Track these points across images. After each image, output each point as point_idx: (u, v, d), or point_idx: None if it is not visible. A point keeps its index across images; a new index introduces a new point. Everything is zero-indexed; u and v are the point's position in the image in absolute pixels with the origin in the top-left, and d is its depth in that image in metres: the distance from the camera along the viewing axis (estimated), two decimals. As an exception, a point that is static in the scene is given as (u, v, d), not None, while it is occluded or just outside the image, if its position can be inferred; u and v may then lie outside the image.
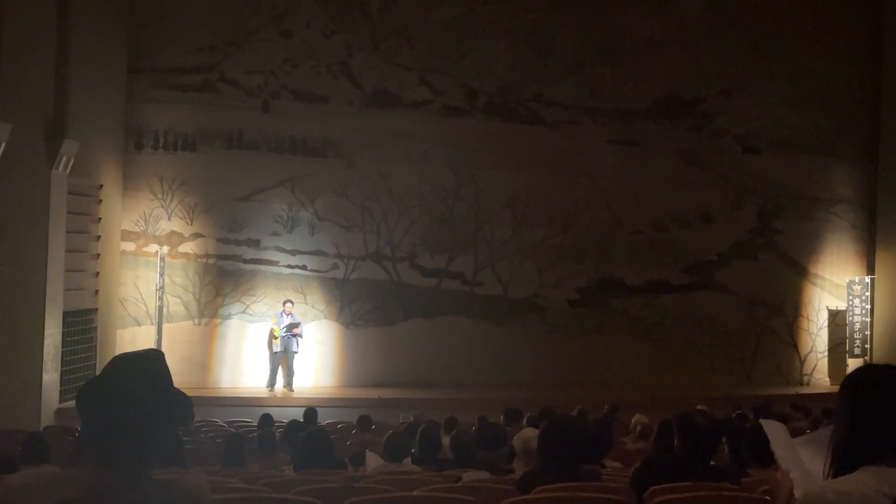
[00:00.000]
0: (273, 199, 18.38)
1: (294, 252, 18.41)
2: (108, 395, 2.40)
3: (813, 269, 20.33)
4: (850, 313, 19.87)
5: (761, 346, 19.93)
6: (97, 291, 16.54)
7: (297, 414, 12.13)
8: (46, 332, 14.49)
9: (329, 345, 18.37)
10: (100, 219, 16.67)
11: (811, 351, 20.16)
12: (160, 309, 17.14)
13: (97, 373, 2.85)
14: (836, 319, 20.10)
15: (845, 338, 19.90)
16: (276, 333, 17.25)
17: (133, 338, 17.41)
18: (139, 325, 17.69)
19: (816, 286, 20.31)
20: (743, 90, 20.10)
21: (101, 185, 16.75)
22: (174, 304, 17.83)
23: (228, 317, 18.09)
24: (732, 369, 19.64)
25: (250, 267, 18.25)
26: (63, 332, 15.08)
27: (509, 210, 19.18)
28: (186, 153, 18.13)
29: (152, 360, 2.49)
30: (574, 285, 19.42)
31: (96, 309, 16.52)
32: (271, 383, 17.36)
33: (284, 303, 17.54)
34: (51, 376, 14.71)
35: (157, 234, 17.96)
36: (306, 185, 18.44)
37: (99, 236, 16.63)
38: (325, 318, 18.45)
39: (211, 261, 18.15)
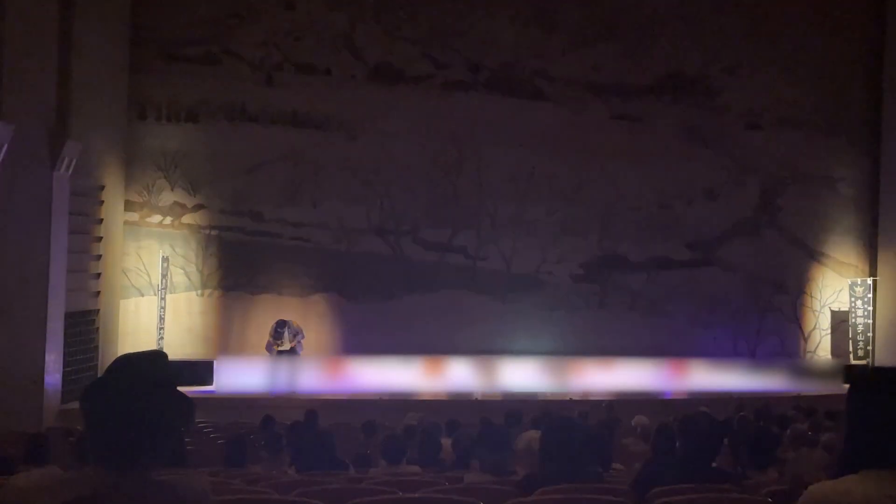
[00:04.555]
0: (276, 172, 18.36)
1: (296, 224, 18.42)
2: (110, 396, 2.43)
3: (816, 247, 20.25)
4: (853, 315, 19.72)
5: (765, 323, 19.91)
6: (99, 293, 16.61)
7: (299, 415, 12.08)
8: (48, 333, 14.51)
9: (330, 318, 18.40)
10: (101, 220, 16.71)
11: (815, 328, 20.13)
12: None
13: (99, 374, 2.87)
14: (840, 325, 19.95)
15: (848, 339, 19.82)
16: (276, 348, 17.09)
17: (136, 308, 17.52)
18: (142, 295, 17.77)
19: (820, 263, 20.24)
20: (746, 67, 19.89)
21: (104, 187, 16.78)
22: (177, 276, 17.90)
23: (231, 288, 18.13)
24: (735, 346, 19.63)
25: (253, 239, 18.26)
26: (65, 334, 15.10)
27: (512, 185, 19.13)
28: (189, 125, 18.15)
29: (155, 362, 2.51)
30: (577, 261, 19.40)
31: (98, 310, 16.59)
32: (273, 384, 17.14)
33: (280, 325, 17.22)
34: (53, 377, 14.73)
35: (159, 204, 18.00)
36: (309, 158, 18.42)
37: (101, 237, 16.67)
38: (327, 290, 18.47)
39: (213, 232, 18.19)
